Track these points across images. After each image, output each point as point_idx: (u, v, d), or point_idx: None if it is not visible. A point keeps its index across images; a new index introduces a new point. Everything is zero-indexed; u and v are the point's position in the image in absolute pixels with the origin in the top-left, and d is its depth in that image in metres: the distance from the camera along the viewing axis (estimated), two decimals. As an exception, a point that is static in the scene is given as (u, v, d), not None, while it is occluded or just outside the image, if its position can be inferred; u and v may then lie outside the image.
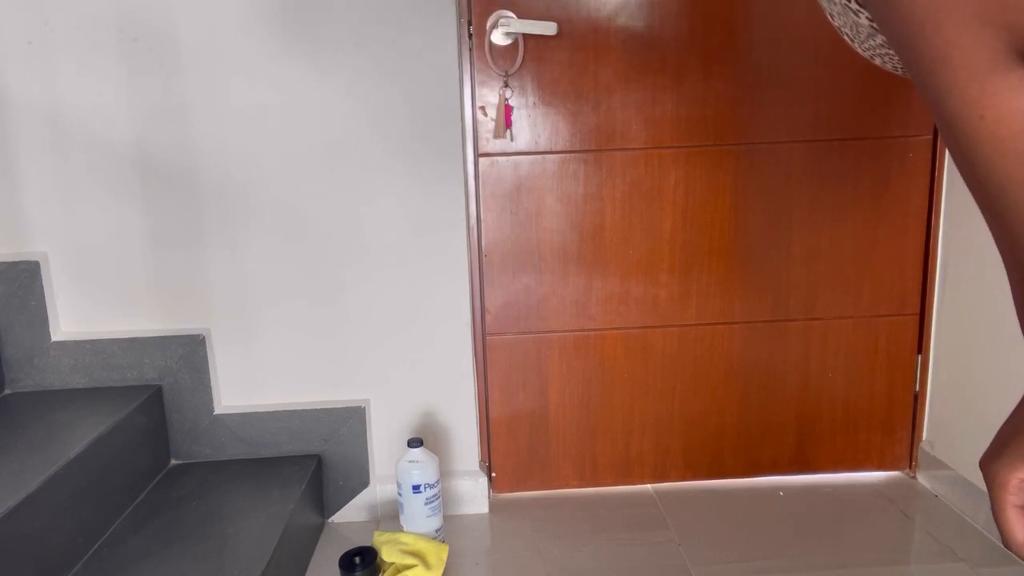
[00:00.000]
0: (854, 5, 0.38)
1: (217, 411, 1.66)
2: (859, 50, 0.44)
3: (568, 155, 1.67)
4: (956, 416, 1.74)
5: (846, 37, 0.44)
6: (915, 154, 1.72)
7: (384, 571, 1.47)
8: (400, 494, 1.59)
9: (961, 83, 0.31)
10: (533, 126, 1.65)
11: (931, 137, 1.71)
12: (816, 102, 1.68)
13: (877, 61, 0.44)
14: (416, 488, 1.57)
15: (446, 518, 1.68)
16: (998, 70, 0.30)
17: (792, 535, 1.63)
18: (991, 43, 0.30)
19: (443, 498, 1.67)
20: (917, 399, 1.84)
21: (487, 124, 1.65)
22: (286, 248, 1.63)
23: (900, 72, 0.44)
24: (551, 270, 1.73)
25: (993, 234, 0.35)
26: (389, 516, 1.72)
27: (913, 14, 0.31)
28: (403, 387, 1.71)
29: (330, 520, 1.73)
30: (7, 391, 1.60)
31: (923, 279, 1.78)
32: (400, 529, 1.61)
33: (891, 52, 0.41)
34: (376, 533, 1.57)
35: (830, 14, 0.44)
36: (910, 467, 1.87)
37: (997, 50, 0.30)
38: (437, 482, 1.60)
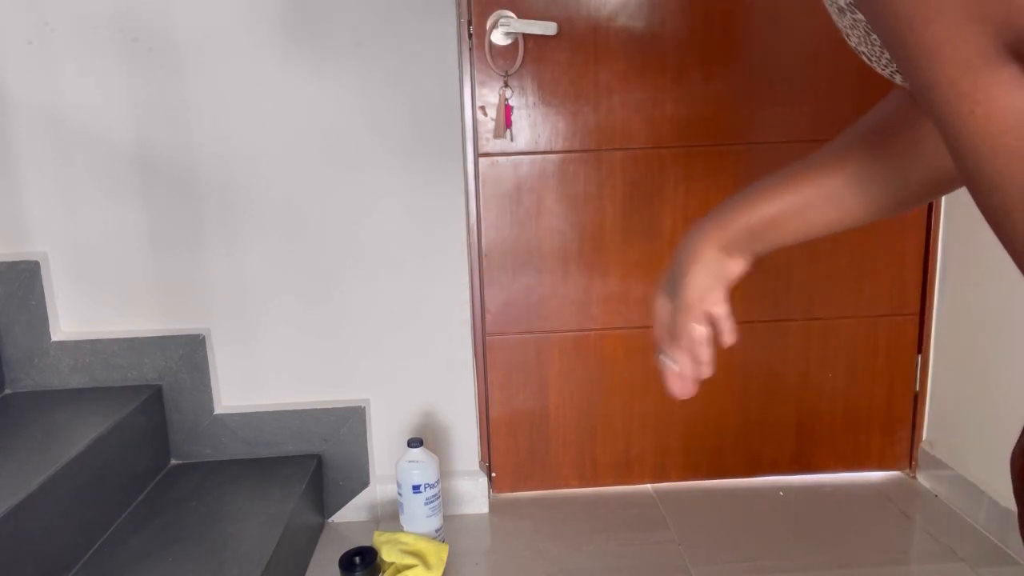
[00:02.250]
0: (843, 3, 0.38)
1: (217, 411, 1.66)
2: (879, 68, 0.44)
3: (568, 155, 1.67)
4: (956, 416, 1.74)
5: (864, 57, 0.44)
6: (915, 154, 1.71)
7: (384, 571, 1.47)
8: (400, 494, 1.59)
9: (952, 78, 0.31)
10: (533, 126, 1.65)
11: (931, 137, 1.71)
12: (816, 102, 1.68)
13: (898, 79, 0.44)
14: (416, 488, 1.57)
15: (446, 518, 1.68)
16: (989, 65, 0.30)
17: (792, 535, 1.63)
18: (981, 38, 0.30)
19: (443, 498, 1.67)
20: (917, 399, 1.84)
21: (487, 124, 1.65)
22: (286, 248, 1.63)
23: None
24: (551, 270, 1.73)
25: (991, 228, 0.35)
26: (389, 516, 1.72)
27: (902, 10, 0.32)
28: (403, 387, 1.71)
29: (330, 520, 1.73)
30: (7, 391, 1.60)
31: (923, 279, 1.78)
32: (400, 529, 1.61)
33: None
34: (376, 533, 1.57)
35: (846, 34, 0.44)
36: (910, 467, 1.87)
37: (988, 45, 0.30)
38: (437, 482, 1.60)
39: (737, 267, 0.61)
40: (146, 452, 1.57)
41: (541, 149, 1.67)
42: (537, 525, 1.70)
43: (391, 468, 1.71)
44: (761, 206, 0.57)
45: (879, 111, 0.56)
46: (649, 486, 1.86)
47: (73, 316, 1.62)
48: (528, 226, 1.70)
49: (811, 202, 0.56)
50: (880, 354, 1.81)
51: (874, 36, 0.40)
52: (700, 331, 0.60)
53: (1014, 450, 0.43)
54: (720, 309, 0.63)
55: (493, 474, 1.82)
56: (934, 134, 0.52)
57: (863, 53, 0.44)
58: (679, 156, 1.69)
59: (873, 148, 0.54)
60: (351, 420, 1.68)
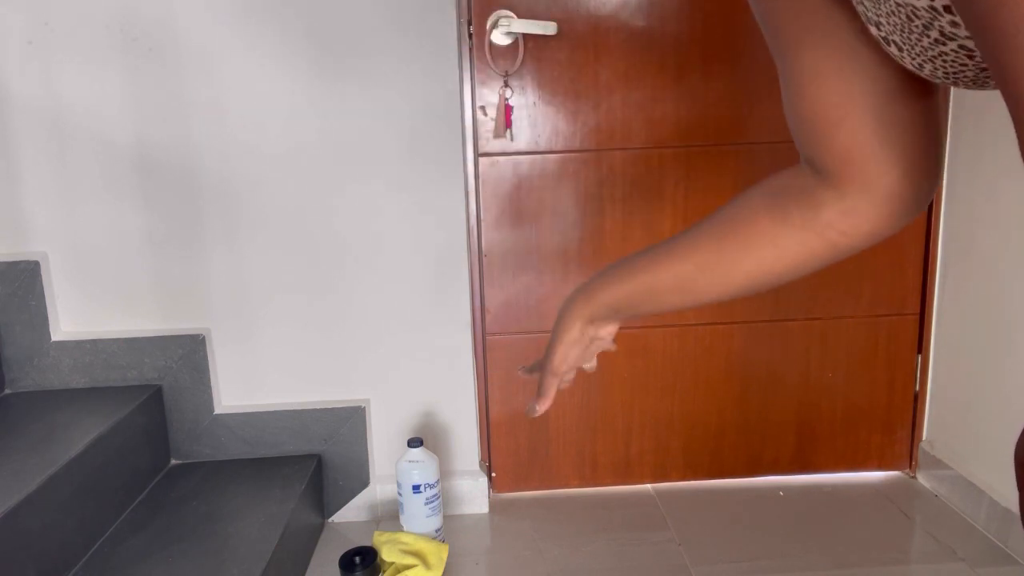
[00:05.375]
0: None
1: (217, 411, 1.66)
2: (907, 61, 0.43)
3: (568, 155, 1.67)
4: (956, 416, 1.74)
5: (893, 48, 0.43)
6: (915, 154, 1.71)
7: (384, 571, 1.47)
8: (400, 494, 1.60)
9: None
10: (533, 126, 1.65)
11: (931, 137, 1.71)
12: (816, 102, 1.67)
13: (927, 69, 0.43)
14: (416, 488, 1.57)
15: (446, 518, 1.68)
16: None
17: (792, 535, 1.63)
18: None
19: (443, 498, 1.67)
20: (917, 399, 1.84)
21: (487, 124, 1.65)
22: (286, 248, 1.62)
23: (950, 81, 0.43)
24: (551, 270, 1.73)
25: None
26: (389, 516, 1.72)
27: None
28: (403, 387, 1.71)
29: (330, 520, 1.73)
30: (7, 391, 1.60)
31: (923, 279, 1.78)
32: (400, 529, 1.61)
33: (944, 53, 0.40)
34: (376, 533, 1.57)
35: (876, 23, 0.43)
36: (910, 467, 1.87)
37: None
38: (437, 482, 1.60)
39: (607, 331, 0.70)
40: (146, 452, 1.57)
41: (541, 149, 1.67)
42: (537, 525, 1.70)
43: (391, 468, 1.71)
44: (620, 285, 0.65)
45: (731, 206, 0.61)
46: (649, 486, 1.86)
47: (73, 316, 1.62)
48: (528, 226, 1.70)
49: (661, 285, 0.63)
50: (880, 354, 1.81)
51: (916, 23, 0.39)
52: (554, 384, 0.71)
53: (1019, 440, 0.42)
54: (589, 365, 0.74)
55: (493, 474, 1.82)
56: (768, 231, 0.58)
57: (893, 43, 0.43)
58: (679, 156, 1.69)
59: (721, 240, 0.60)
60: (351, 420, 1.68)
